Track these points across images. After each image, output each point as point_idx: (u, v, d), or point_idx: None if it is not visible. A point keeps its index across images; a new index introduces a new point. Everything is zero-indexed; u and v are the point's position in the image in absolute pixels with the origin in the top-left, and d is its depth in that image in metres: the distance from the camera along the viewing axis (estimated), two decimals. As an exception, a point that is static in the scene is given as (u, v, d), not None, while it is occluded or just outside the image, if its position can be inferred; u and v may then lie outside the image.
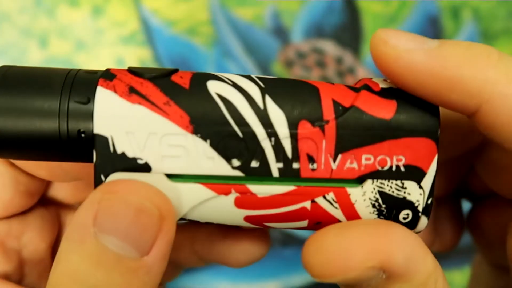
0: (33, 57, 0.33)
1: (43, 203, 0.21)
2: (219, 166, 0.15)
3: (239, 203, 0.15)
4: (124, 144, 0.14)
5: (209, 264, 0.23)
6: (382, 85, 0.16)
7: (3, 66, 0.15)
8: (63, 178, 0.19)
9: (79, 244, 0.14)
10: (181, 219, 0.16)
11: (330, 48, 0.35)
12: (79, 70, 0.15)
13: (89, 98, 0.14)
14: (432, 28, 0.35)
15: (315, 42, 0.35)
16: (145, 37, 0.34)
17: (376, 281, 0.14)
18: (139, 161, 0.15)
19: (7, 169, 0.18)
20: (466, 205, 0.25)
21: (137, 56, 0.34)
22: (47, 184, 0.21)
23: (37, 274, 0.20)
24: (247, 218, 0.16)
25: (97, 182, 0.15)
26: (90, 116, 0.14)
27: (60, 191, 0.21)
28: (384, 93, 0.16)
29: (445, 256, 0.33)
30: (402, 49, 0.14)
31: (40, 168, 0.18)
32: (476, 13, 0.36)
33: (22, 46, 0.33)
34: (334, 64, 0.35)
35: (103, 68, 0.16)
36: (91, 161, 0.15)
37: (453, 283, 0.33)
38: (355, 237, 0.14)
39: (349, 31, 0.35)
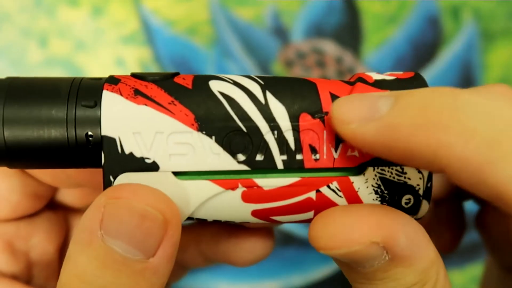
0: (33, 57, 0.33)
1: (51, 207, 0.21)
2: (225, 161, 0.15)
3: (246, 197, 0.16)
4: (131, 144, 0.15)
5: (215, 264, 0.23)
6: (376, 77, 0.17)
7: (8, 78, 0.15)
8: (67, 184, 0.19)
9: (87, 246, 0.14)
10: (189, 218, 0.16)
11: (330, 48, 0.35)
12: (83, 77, 0.16)
13: (96, 101, 0.15)
14: (432, 28, 0.35)
15: (315, 42, 0.35)
16: (145, 37, 0.34)
17: (379, 262, 0.14)
18: (147, 161, 0.15)
19: (15, 172, 0.19)
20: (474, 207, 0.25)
21: (137, 56, 0.34)
22: (55, 188, 0.21)
23: (45, 276, 0.21)
24: (254, 213, 0.16)
25: (106, 183, 0.15)
26: (97, 119, 0.15)
27: (68, 196, 0.21)
28: (378, 84, 0.16)
29: (445, 256, 0.33)
30: (354, 126, 0.14)
31: (44, 173, 0.19)
32: (476, 13, 0.36)
33: (22, 46, 0.33)
34: (334, 64, 0.35)
35: (103, 68, 0.16)
36: (100, 166, 0.15)
37: (453, 283, 0.33)
38: (360, 214, 0.15)
39: (349, 31, 0.35)
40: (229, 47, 0.34)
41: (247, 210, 0.16)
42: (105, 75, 0.16)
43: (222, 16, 0.35)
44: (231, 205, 0.16)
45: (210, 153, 0.15)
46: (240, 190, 0.15)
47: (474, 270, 0.33)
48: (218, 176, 0.15)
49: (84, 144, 0.15)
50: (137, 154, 0.15)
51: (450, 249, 0.23)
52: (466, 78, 0.35)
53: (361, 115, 0.14)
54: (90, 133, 0.15)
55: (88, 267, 0.14)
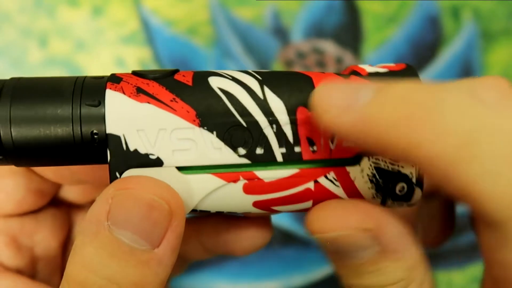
0: (33, 57, 0.33)
1: (54, 203, 0.21)
2: (226, 155, 0.16)
3: (247, 189, 0.16)
4: (136, 141, 0.15)
5: (214, 255, 0.23)
6: (369, 69, 0.17)
7: (13, 78, 0.16)
8: (70, 181, 0.20)
9: (94, 237, 0.14)
10: (193, 210, 0.16)
11: (330, 48, 0.35)
12: (86, 76, 0.16)
13: (100, 101, 0.15)
14: (432, 28, 0.35)
15: (315, 42, 0.35)
16: (145, 37, 0.34)
17: (369, 253, 0.15)
18: (151, 157, 0.15)
19: (19, 169, 0.19)
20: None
21: (137, 56, 0.34)
22: (58, 185, 0.21)
23: (49, 271, 0.21)
24: (255, 204, 0.17)
25: (112, 179, 0.15)
26: (102, 117, 0.15)
27: (70, 192, 0.22)
28: (371, 77, 0.17)
29: (445, 256, 0.33)
30: (331, 115, 0.14)
31: (48, 170, 0.19)
32: (476, 13, 0.36)
33: (22, 46, 0.33)
34: (334, 64, 0.35)
35: (103, 68, 0.16)
36: (105, 162, 0.15)
37: (453, 283, 0.33)
38: (355, 204, 0.15)
39: (349, 31, 0.35)
40: (229, 47, 0.34)
41: (249, 201, 0.16)
42: (106, 74, 0.16)
43: (222, 16, 0.35)
44: (233, 197, 0.16)
45: (212, 148, 0.16)
46: (242, 182, 0.16)
47: (474, 270, 0.33)
48: (220, 169, 0.16)
49: (89, 142, 0.15)
50: (142, 150, 0.15)
51: (436, 243, 0.24)
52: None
53: (340, 104, 0.14)
54: (95, 131, 0.15)
55: (95, 257, 0.14)
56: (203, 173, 0.16)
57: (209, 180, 0.16)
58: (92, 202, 0.22)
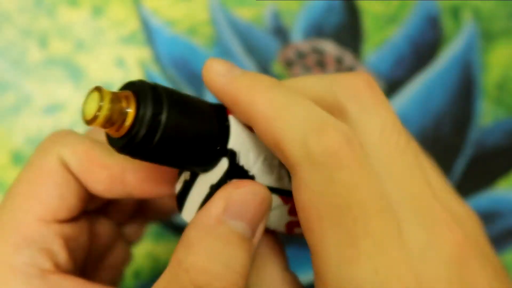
0: (33, 57, 0.33)
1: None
2: (289, 183, 0.19)
3: (290, 211, 0.20)
4: (244, 159, 0.19)
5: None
6: None
7: (165, 88, 0.18)
8: (118, 194, 0.21)
9: (212, 229, 0.17)
10: None
11: (330, 48, 0.35)
12: (209, 102, 0.19)
13: (227, 124, 0.18)
14: (432, 28, 0.35)
15: (315, 42, 0.35)
16: (145, 37, 0.34)
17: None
18: (249, 173, 0.19)
19: (73, 182, 0.21)
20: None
21: (137, 56, 0.34)
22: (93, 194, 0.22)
23: (82, 273, 0.23)
24: (287, 224, 0.20)
25: (222, 183, 0.19)
26: (227, 135, 0.18)
27: (95, 200, 0.23)
28: None
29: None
30: (213, 75, 0.18)
31: (99, 183, 0.21)
32: (476, 13, 0.36)
33: (22, 46, 0.33)
34: (334, 64, 0.35)
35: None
36: (209, 169, 0.19)
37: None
38: None
39: (349, 31, 0.35)
40: (229, 47, 0.34)
41: (285, 221, 0.20)
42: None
43: (222, 16, 0.35)
44: (280, 215, 0.20)
45: (285, 176, 0.19)
46: (289, 205, 0.20)
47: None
48: (283, 194, 0.20)
49: (211, 153, 0.18)
50: (245, 167, 0.19)
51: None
52: (466, 78, 0.35)
53: (219, 70, 0.18)
54: (220, 145, 0.18)
55: (213, 246, 0.17)
56: (274, 193, 0.19)
57: (275, 199, 0.19)
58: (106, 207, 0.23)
